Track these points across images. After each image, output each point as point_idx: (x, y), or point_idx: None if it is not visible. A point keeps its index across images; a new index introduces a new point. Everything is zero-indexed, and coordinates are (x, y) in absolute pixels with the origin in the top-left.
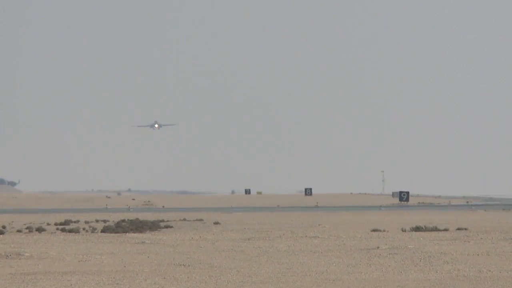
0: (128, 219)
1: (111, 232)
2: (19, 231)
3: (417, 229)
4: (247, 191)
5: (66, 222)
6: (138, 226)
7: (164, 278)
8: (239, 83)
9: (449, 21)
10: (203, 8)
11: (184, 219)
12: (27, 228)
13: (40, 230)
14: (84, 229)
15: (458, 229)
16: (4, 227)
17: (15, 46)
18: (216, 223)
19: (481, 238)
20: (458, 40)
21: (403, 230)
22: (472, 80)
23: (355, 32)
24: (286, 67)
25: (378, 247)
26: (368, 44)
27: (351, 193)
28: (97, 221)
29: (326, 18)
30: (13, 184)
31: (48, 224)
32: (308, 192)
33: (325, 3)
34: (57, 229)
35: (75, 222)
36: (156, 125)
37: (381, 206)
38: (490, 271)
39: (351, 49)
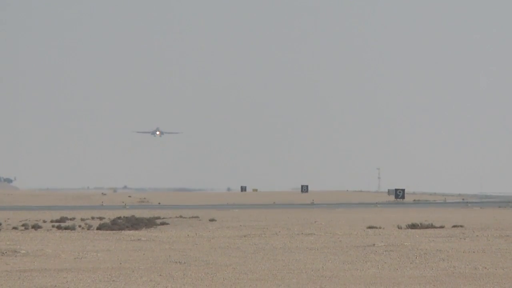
0: (124, 216)
1: (107, 229)
2: (15, 228)
3: (413, 226)
4: (243, 188)
5: (62, 219)
6: (134, 223)
7: (160, 275)
8: (235, 81)
9: (446, 21)
10: (207, 17)
11: (180, 216)
12: (23, 225)
13: (36, 227)
14: (80, 226)
15: (454, 226)
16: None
17: (17, 45)
18: (212, 220)
19: (477, 235)
20: (455, 39)
21: (399, 227)
22: (468, 79)
23: (353, 32)
24: (282, 67)
25: (374, 244)
26: (366, 44)
27: (347, 190)
28: (93, 218)
29: (323, 17)
30: (9, 181)
31: (44, 221)
32: (304, 189)
33: (326, 4)
34: (53, 226)
35: (71, 219)
36: (158, 132)
37: (377, 203)
38: (486, 268)
39: (347, 49)
